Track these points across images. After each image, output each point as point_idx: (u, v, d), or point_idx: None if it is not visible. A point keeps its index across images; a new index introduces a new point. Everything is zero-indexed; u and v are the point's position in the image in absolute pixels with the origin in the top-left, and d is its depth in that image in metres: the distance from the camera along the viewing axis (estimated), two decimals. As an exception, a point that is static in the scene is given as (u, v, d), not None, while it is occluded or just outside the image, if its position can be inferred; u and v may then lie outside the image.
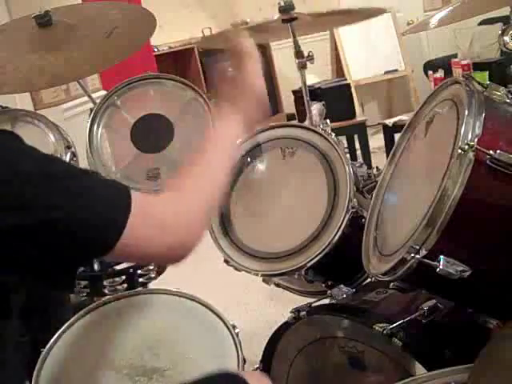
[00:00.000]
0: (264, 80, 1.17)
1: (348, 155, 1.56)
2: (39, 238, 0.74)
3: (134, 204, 0.80)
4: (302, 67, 1.74)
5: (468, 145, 0.97)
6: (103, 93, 2.24)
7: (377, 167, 1.62)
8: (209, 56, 5.01)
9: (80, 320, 1.40)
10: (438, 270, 0.99)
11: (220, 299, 1.49)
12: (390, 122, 3.87)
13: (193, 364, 1.33)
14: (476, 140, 0.98)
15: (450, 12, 1.88)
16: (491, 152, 0.97)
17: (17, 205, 0.73)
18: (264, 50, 5.13)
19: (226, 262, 1.53)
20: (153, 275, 1.57)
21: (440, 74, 3.89)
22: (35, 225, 0.73)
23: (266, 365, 1.49)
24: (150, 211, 0.83)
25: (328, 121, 1.65)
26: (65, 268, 0.79)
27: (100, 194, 0.80)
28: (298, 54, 1.72)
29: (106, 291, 1.43)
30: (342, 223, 1.42)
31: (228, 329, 1.38)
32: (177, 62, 5.01)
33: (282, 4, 1.63)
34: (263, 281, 1.61)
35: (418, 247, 1.01)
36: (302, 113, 3.68)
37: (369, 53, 5.01)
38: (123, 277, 1.43)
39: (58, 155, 1.67)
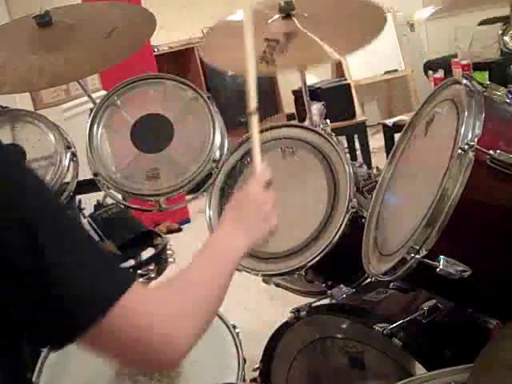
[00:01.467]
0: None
1: (348, 155, 1.56)
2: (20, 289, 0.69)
3: (131, 291, 0.74)
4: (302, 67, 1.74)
5: (468, 145, 0.97)
6: (103, 93, 2.24)
7: (377, 167, 1.62)
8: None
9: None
10: (438, 270, 0.99)
11: (220, 299, 1.49)
12: (390, 122, 3.87)
13: (193, 364, 1.33)
14: (476, 140, 0.98)
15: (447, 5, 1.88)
16: (491, 152, 0.97)
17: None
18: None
19: (226, 262, 1.53)
20: (153, 275, 1.57)
21: (440, 74, 3.89)
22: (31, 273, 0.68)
23: (266, 365, 1.49)
24: (143, 304, 0.76)
25: (328, 121, 1.65)
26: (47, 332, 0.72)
27: (102, 267, 0.75)
28: (298, 53, 1.72)
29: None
30: (341, 223, 1.42)
31: (228, 329, 1.38)
32: (177, 62, 5.01)
33: (282, 4, 1.63)
34: (263, 281, 1.61)
35: (417, 247, 1.01)
36: (301, 113, 3.68)
37: (369, 53, 5.00)
38: (123, 277, 1.43)
39: (58, 155, 1.66)
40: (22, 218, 0.69)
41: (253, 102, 1.13)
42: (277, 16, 1.65)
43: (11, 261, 0.68)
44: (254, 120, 1.13)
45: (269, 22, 1.66)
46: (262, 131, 1.57)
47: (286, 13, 1.64)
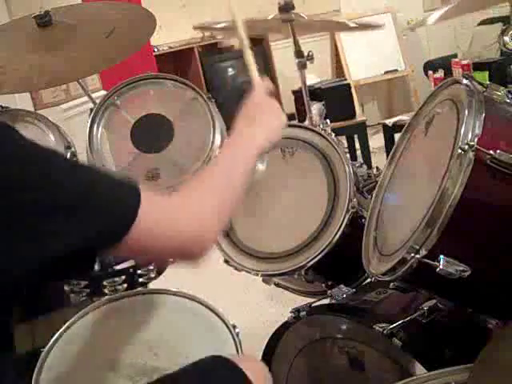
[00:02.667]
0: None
1: (348, 155, 1.56)
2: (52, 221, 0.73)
3: (145, 199, 0.79)
4: (302, 67, 1.74)
5: (468, 145, 0.97)
6: (103, 93, 2.24)
7: (377, 167, 1.62)
8: (209, 56, 5.01)
9: (80, 320, 1.40)
10: (437, 269, 0.99)
11: (220, 299, 1.49)
12: (390, 122, 3.86)
13: (193, 364, 1.33)
14: (476, 140, 0.98)
15: (449, 9, 1.88)
16: (491, 152, 0.97)
17: (23, 185, 0.72)
18: (264, 50, 5.13)
19: (226, 262, 1.53)
20: (153, 275, 1.57)
21: (440, 74, 3.88)
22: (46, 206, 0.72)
23: (266, 365, 1.48)
24: (162, 207, 0.82)
25: (328, 121, 1.65)
26: (77, 256, 0.76)
27: (112, 187, 0.80)
28: (298, 53, 1.72)
29: (106, 291, 1.43)
30: (342, 223, 1.42)
31: (228, 329, 1.38)
32: (177, 62, 5.01)
33: (282, 4, 1.63)
34: (263, 281, 1.60)
35: (417, 247, 1.01)
36: (301, 113, 3.68)
37: (369, 53, 5.01)
38: (123, 277, 1.43)
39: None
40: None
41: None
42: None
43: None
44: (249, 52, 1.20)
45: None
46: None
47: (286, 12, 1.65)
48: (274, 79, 5.32)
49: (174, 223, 0.82)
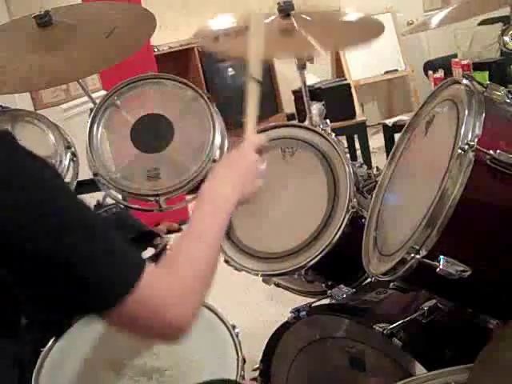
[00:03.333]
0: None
1: (348, 155, 1.56)
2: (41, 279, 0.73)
3: (144, 278, 0.79)
4: (302, 67, 1.74)
5: (468, 145, 0.97)
6: (103, 93, 2.24)
7: (377, 167, 1.62)
8: (209, 56, 5.01)
9: (80, 320, 1.40)
10: (437, 270, 0.99)
11: (220, 299, 1.49)
12: (390, 122, 3.86)
13: (193, 364, 1.33)
14: (476, 140, 0.98)
15: (450, 12, 1.88)
16: (491, 152, 0.97)
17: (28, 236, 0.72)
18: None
19: (226, 262, 1.53)
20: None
21: (440, 74, 3.88)
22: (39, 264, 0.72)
23: (266, 365, 1.49)
24: (153, 288, 0.81)
25: (328, 121, 1.65)
26: (57, 314, 0.80)
27: (115, 261, 0.79)
28: (298, 53, 1.72)
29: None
30: (342, 223, 1.42)
31: (228, 329, 1.38)
32: (177, 62, 5.00)
33: (282, 4, 1.63)
34: (263, 281, 1.61)
35: (418, 247, 1.01)
36: (301, 113, 3.68)
37: (369, 53, 5.01)
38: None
39: (58, 156, 1.67)
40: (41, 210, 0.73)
41: (255, 68, 1.17)
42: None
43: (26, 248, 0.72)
44: (253, 86, 1.17)
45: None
46: (262, 131, 1.58)
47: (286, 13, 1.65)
48: (273, 79, 5.33)
49: (163, 304, 0.82)
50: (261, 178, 1.13)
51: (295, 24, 1.66)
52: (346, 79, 4.62)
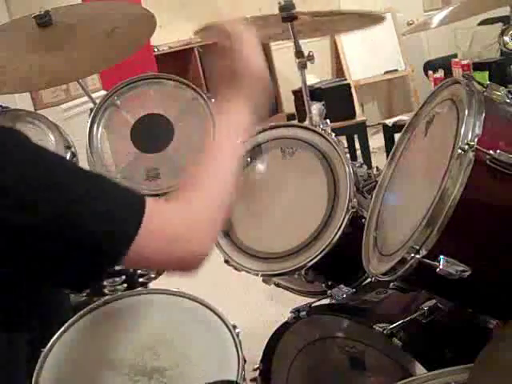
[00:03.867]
0: (262, 59, 1.11)
1: (348, 155, 1.55)
2: (50, 240, 0.73)
3: (147, 214, 0.79)
4: (302, 67, 1.74)
5: (468, 145, 0.97)
6: (103, 93, 2.24)
7: (377, 167, 1.62)
8: (209, 56, 5.00)
9: (80, 320, 1.40)
10: (438, 270, 0.99)
11: (220, 299, 1.49)
12: (390, 121, 3.86)
13: (193, 364, 1.33)
14: (476, 140, 0.97)
15: (450, 12, 1.89)
16: (491, 152, 0.97)
17: (28, 204, 0.72)
18: (264, 51, 5.13)
19: (226, 262, 1.53)
20: (153, 275, 1.57)
21: (440, 74, 3.88)
22: (45, 226, 0.72)
23: (266, 365, 1.49)
24: (161, 222, 0.81)
25: (328, 121, 1.65)
26: (78, 275, 0.78)
27: (114, 201, 0.79)
28: (298, 53, 1.72)
29: (105, 291, 1.43)
30: (342, 223, 1.42)
31: (228, 329, 1.38)
32: (177, 62, 5.00)
33: (283, 3, 1.63)
34: (263, 281, 1.61)
35: (418, 247, 1.01)
36: (301, 113, 3.68)
37: (369, 53, 5.01)
38: (123, 277, 1.43)
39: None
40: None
41: None
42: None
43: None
44: None
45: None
46: (262, 131, 1.58)
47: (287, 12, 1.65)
48: (274, 79, 5.32)
49: (175, 235, 0.82)
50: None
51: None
52: (345, 79, 4.62)
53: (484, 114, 1.01)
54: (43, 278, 0.79)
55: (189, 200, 0.88)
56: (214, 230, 0.90)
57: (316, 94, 3.75)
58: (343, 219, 1.42)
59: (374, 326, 1.22)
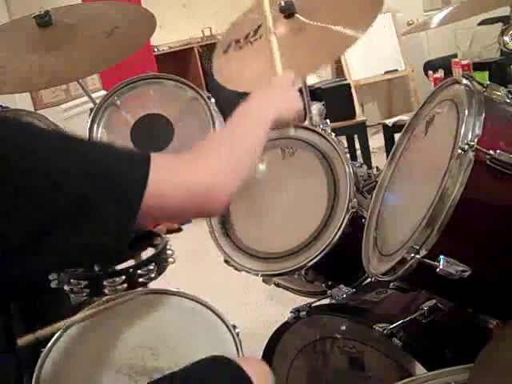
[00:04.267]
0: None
1: (348, 155, 1.55)
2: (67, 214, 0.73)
3: (155, 163, 0.80)
4: (302, 67, 1.73)
5: (468, 145, 0.97)
6: (103, 93, 2.24)
7: (377, 167, 1.62)
8: (209, 56, 5.01)
9: (80, 320, 1.40)
10: (438, 270, 0.99)
11: (220, 299, 1.49)
12: (390, 121, 3.87)
13: (193, 364, 1.33)
14: (476, 140, 0.98)
15: (450, 12, 1.89)
16: (491, 152, 0.97)
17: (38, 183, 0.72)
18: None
19: (226, 262, 1.53)
20: (153, 275, 1.56)
21: (440, 74, 3.88)
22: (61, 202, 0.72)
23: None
24: (173, 169, 0.84)
25: (328, 121, 1.65)
26: (105, 238, 0.77)
27: (117, 159, 0.80)
28: (298, 53, 1.72)
29: (106, 291, 1.42)
30: (342, 223, 1.42)
31: (228, 329, 1.38)
32: (177, 62, 5.01)
33: (283, 4, 1.63)
34: (263, 281, 1.61)
35: (418, 247, 1.01)
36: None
37: (369, 53, 5.01)
38: (123, 277, 1.43)
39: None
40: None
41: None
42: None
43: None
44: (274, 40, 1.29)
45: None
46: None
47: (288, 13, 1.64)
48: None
49: (185, 183, 0.83)
50: (296, 103, 1.17)
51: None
52: (345, 79, 4.62)
53: (484, 114, 1.01)
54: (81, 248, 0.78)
55: (205, 148, 0.90)
56: (229, 177, 0.88)
57: (316, 94, 3.76)
58: (343, 219, 1.42)
59: (374, 326, 1.22)
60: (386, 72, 5.16)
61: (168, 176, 0.82)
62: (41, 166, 0.73)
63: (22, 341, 1.39)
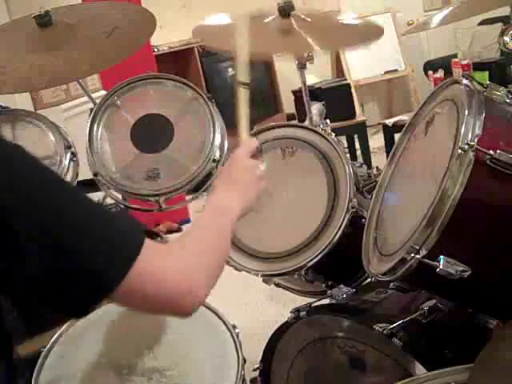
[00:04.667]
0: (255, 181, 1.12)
1: (348, 155, 1.55)
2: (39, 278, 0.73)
3: (142, 253, 0.78)
4: (302, 67, 1.74)
5: (468, 145, 0.97)
6: (103, 93, 2.24)
7: (377, 167, 1.62)
8: (209, 56, 5.01)
9: (80, 320, 1.40)
10: (438, 270, 0.99)
11: (220, 299, 1.49)
12: (390, 121, 3.87)
13: (193, 364, 1.33)
14: (476, 140, 0.98)
15: (450, 12, 1.88)
16: (491, 152, 0.97)
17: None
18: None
19: (226, 262, 1.53)
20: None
21: (440, 74, 3.88)
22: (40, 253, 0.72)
23: (266, 365, 1.49)
24: (152, 266, 0.80)
25: (328, 121, 1.65)
26: (72, 302, 0.77)
27: (113, 235, 0.79)
28: (298, 53, 1.72)
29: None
30: (342, 223, 1.42)
31: (228, 329, 1.38)
32: (177, 62, 5.00)
33: (282, 4, 1.63)
34: (263, 281, 1.61)
35: (417, 247, 1.01)
36: (301, 113, 3.68)
37: (369, 53, 5.01)
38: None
39: (58, 155, 1.67)
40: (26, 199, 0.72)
41: (242, 74, 1.18)
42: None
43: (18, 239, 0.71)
44: (241, 91, 1.17)
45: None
46: (261, 131, 1.59)
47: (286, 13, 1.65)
48: (274, 79, 5.32)
49: (163, 281, 0.81)
50: (262, 179, 1.13)
51: (295, 25, 1.66)
52: (345, 79, 4.62)
53: (484, 114, 1.01)
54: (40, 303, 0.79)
55: (180, 247, 0.88)
56: (203, 280, 0.87)
57: (316, 93, 3.76)
58: (343, 219, 1.42)
59: (374, 326, 1.22)
60: (386, 72, 5.16)
61: (153, 267, 0.80)
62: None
63: (23, 350, 1.40)
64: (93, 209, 0.80)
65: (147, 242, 0.80)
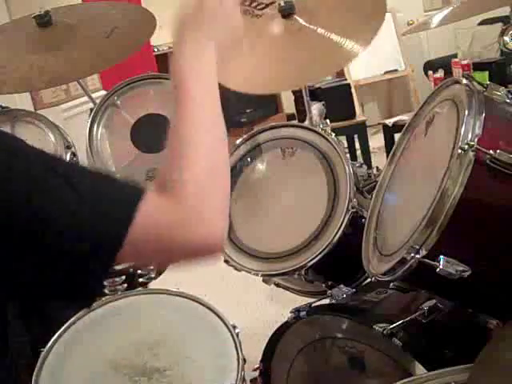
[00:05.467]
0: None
1: (348, 155, 1.55)
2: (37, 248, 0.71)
3: (141, 210, 0.77)
4: (302, 67, 1.73)
5: (468, 145, 0.97)
6: (103, 93, 2.24)
7: (377, 167, 1.62)
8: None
9: (80, 320, 1.40)
10: (438, 270, 0.99)
11: (220, 299, 1.50)
12: (390, 121, 3.87)
13: (193, 364, 1.33)
14: (476, 140, 0.98)
15: (450, 12, 1.89)
16: (491, 152, 0.97)
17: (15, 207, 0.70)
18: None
19: (226, 262, 1.53)
20: (153, 275, 1.57)
21: (440, 74, 3.88)
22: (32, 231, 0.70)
23: (266, 365, 1.49)
24: (156, 215, 0.79)
25: (328, 121, 1.65)
26: (76, 280, 0.75)
27: (107, 198, 0.78)
28: (298, 53, 1.72)
29: (106, 291, 1.43)
30: (342, 223, 1.42)
31: (228, 329, 1.38)
32: (177, 62, 5.00)
33: (282, 4, 1.63)
34: (263, 281, 1.61)
35: (417, 247, 1.01)
36: (302, 113, 3.68)
37: (369, 53, 4.99)
38: (123, 277, 1.43)
39: (58, 155, 1.67)
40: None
41: None
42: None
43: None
44: None
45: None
46: (261, 131, 1.59)
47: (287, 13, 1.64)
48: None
49: (179, 225, 0.78)
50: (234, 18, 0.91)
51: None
52: (346, 79, 4.62)
53: (484, 114, 1.01)
54: (43, 292, 0.77)
55: (177, 188, 0.84)
56: (221, 203, 0.82)
57: (316, 93, 3.76)
58: (343, 219, 1.42)
59: (374, 326, 1.22)
60: (386, 72, 5.16)
61: (159, 215, 0.79)
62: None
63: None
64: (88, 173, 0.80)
65: (147, 194, 0.79)
